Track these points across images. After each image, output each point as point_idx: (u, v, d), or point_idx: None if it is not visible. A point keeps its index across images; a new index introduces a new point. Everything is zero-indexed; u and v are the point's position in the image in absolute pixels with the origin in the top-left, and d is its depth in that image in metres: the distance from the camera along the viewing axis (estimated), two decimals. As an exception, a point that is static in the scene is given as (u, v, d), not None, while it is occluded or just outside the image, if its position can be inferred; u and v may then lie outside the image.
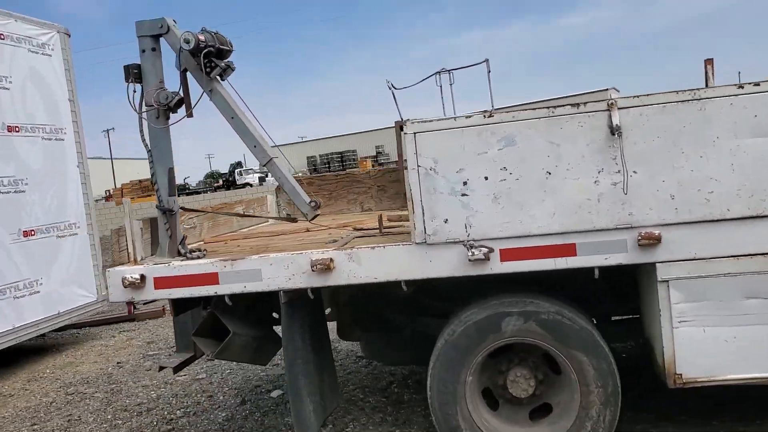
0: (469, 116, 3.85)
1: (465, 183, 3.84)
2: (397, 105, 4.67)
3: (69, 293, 8.65)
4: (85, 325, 10.13)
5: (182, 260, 4.21)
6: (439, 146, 3.85)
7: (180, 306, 4.60)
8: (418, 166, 3.88)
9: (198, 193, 47.54)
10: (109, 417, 6.27)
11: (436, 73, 6.19)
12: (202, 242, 5.13)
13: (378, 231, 4.65)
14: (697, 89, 3.64)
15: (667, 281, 3.73)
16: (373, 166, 45.75)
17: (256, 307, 4.73)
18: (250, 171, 58.31)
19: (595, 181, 3.73)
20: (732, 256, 3.66)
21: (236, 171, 60.55)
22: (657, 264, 3.73)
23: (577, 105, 3.74)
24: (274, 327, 4.95)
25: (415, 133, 3.88)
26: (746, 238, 3.64)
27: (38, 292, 8.20)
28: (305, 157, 59.30)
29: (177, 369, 4.87)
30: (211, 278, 4.12)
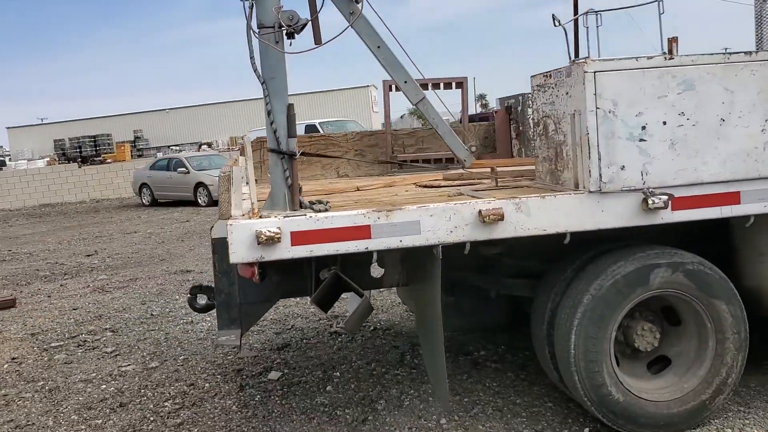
0: (651, 57, 3.69)
1: (643, 128, 3.68)
2: (568, 44, 4.33)
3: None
4: None
5: (312, 213, 3.53)
6: (619, 87, 3.64)
7: (268, 269, 3.87)
8: (596, 108, 3.63)
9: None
10: (74, 417, 5.12)
11: (584, 13, 5.87)
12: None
13: (494, 184, 4.30)
14: None
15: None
16: (131, 151, 42.72)
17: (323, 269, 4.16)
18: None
19: (763, 130, 3.78)
20: None
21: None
22: (805, 212, 3.89)
23: (750, 53, 3.76)
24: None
25: (595, 72, 3.62)
26: None
27: None
28: (52, 140, 53.55)
29: (240, 349, 4.12)
30: (363, 232, 3.50)
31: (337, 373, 5.49)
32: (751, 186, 3.81)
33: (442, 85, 6.33)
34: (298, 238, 3.45)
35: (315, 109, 54.79)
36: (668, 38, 5.99)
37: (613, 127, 3.65)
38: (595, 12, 5.75)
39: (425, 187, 4.71)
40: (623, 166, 3.68)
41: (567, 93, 3.79)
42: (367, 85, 62.61)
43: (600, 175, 3.66)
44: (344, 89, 60.82)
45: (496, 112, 7.06)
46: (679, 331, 4.21)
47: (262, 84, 3.56)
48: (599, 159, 3.65)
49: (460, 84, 6.41)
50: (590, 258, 4.11)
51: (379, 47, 3.60)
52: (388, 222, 3.52)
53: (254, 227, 3.40)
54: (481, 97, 71.87)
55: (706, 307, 4.02)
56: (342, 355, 5.94)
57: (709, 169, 3.75)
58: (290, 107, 3.59)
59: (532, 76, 4.24)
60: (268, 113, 3.57)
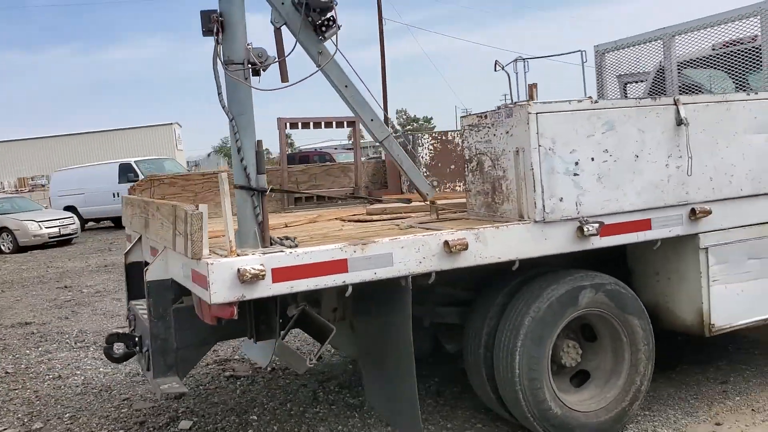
0: (581, 101, 4.13)
1: (576, 163, 4.10)
2: (510, 88, 4.59)
3: None
4: None
5: (287, 249, 3.52)
6: (556, 127, 4.04)
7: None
8: (539, 145, 4.00)
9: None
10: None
11: (514, 60, 6.04)
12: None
13: (434, 216, 4.50)
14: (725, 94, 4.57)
15: (707, 248, 4.55)
16: None
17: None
18: None
19: (666, 165, 4.36)
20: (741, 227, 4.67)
21: None
22: (699, 234, 4.52)
23: (655, 98, 4.34)
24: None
25: (537, 113, 4.00)
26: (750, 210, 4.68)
27: None
28: None
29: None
30: (340, 266, 3.55)
31: (254, 416, 5.35)
32: (659, 214, 4.37)
33: (334, 124, 6.50)
34: (279, 274, 3.43)
35: (115, 148, 52.08)
36: (528, 84, 6.65)
37: (552, 162, 4.03)
38: (524, 59, 6.27)
39: (356, 221, 4.82)
40: (561, 198, 4.07)
41: (507, 132, 4.13)
42: (171, 123, 60.70)
43: (543, 206, 4.02)
44: (145, 126, 58.60)
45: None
46: (595, 347, 4.66)
47: (230, 120, 3.51)
48: (543, 192, 4.02)
49: (352, 123, 6.60)
50: (519, 284, 4.45)
51: (346, 86, 3.70)
52: (363, 255, 3.61)
53: (236, 265, 3.33)
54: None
55: (622, 323, 4.50)
56: (249, 398, 5.79)
57: (629, 199, 4.26)
58: (259, 143, 3.57)
59: (462, 116, 4.55)
60: (238, 150, 3.53)
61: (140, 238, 5.08)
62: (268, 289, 3.41)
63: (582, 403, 4.50)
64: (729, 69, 5.99)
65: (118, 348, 4.70)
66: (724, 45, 5.96)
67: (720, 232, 4.59)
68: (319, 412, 5.33)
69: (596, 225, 4.12)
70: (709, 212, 4.47)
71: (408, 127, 66.66)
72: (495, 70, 4.67)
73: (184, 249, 3.50)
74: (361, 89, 3.76)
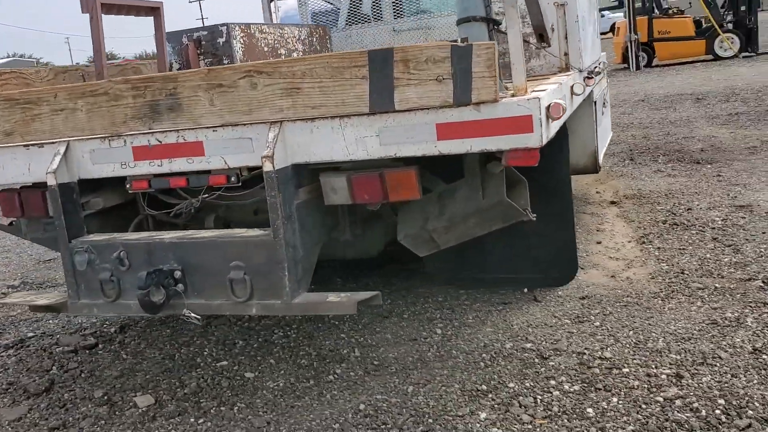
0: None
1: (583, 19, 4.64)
2: None
3: None
4: None
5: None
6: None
7: None
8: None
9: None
10: None
11: None
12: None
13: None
14: None
15: (595, 101, 5.65)
16: None
17: None
18: None
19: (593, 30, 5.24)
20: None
21: None
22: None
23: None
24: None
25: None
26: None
27: None
28: None
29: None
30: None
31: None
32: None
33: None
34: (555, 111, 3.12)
35: None
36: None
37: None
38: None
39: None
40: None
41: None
42: None
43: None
44: None
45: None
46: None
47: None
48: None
49: (156, 10, 5.37)
50: None
51: None
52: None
53: (545, 101, 2.93)
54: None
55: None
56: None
57: (591, 58, 5.01)
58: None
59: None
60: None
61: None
62: (552, 130, 3.10)
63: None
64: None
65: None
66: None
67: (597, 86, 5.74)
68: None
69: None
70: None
71: None
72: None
73: (453, 94, 2.82)
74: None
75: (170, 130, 3.14)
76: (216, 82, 3.01)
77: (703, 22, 19.89)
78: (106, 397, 3.81)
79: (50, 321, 5.14)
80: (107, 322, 4.93)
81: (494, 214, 3.49)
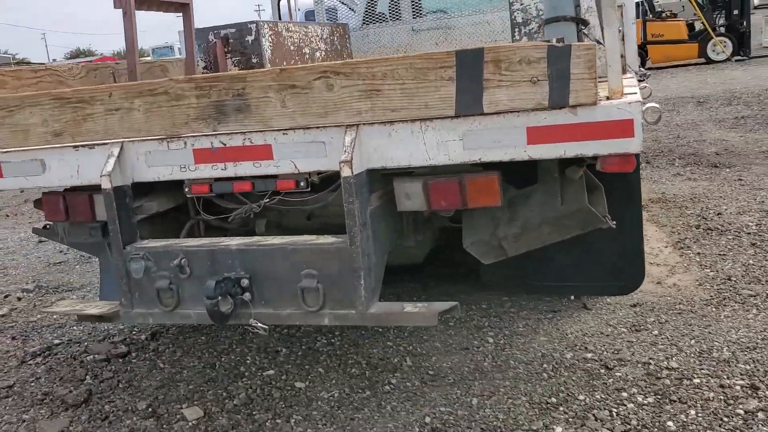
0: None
1: (632, 23, 4.55)
2: None
3: None
4: None
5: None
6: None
7: None
8: (631, 3, 4.31)
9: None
10: None
11: None
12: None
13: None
14: None
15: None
16: None
17: None
18: None
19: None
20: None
21: None
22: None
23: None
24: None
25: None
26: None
27: None
28: None
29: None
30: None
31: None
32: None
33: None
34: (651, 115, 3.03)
35: None
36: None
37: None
38: None
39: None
40: (632, 54, 4.51)
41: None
42: None
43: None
44: None
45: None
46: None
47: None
48: (632, 46, 4.38)
49: (185, 6, 5.21)
50: None
51: None
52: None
53: (641, 105, 2.83)
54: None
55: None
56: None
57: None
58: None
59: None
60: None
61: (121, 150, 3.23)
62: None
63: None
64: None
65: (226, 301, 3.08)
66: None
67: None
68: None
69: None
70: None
71: None
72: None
73: (548, 96, 2.72)
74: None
75: (236, 133, 2.99)
76: (289, 82, 2.87)
77: (696, 25, 20.02)
78: (150, 409, 3.65)
79: (74, 327, 4.96)
80: (136, 329, 4.76)
81: (573, 221, 3.38)
